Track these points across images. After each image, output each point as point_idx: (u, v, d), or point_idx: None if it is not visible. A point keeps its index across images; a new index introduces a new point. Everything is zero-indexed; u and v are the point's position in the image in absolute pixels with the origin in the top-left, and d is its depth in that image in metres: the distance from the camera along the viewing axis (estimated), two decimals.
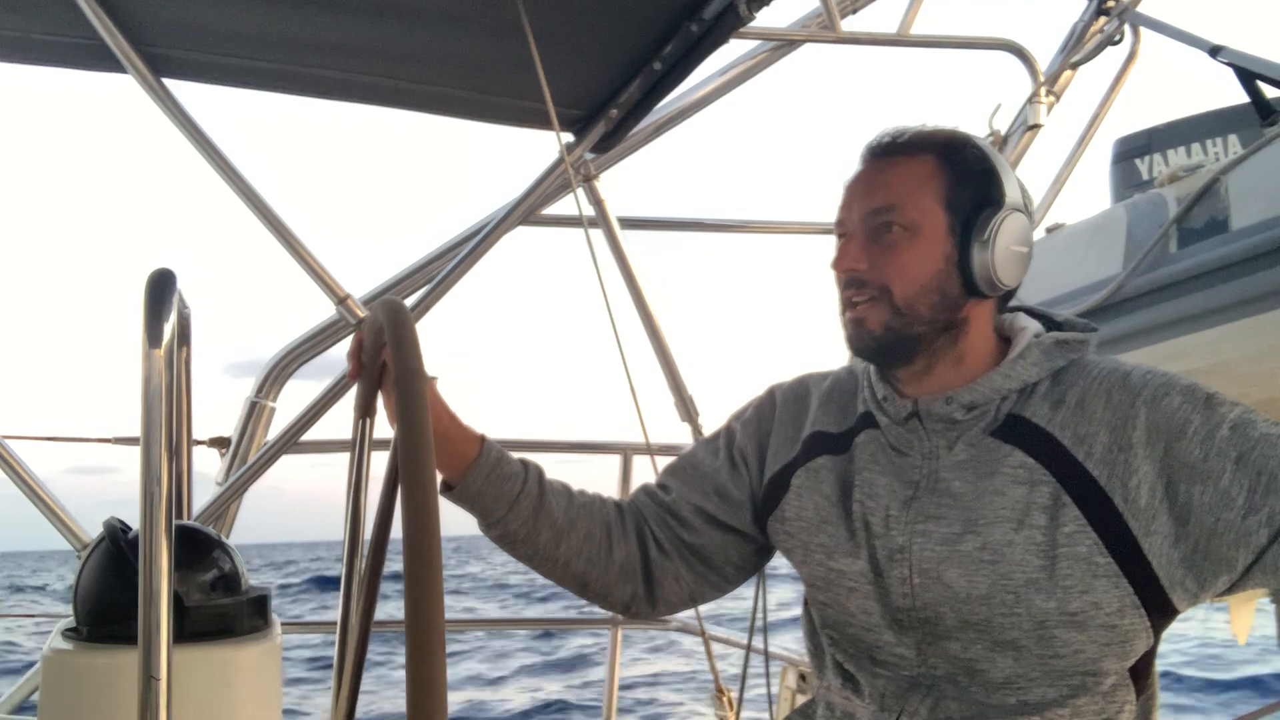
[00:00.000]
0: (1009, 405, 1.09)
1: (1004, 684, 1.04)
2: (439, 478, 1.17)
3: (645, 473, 2.60)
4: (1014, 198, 1.11)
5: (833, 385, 1.25)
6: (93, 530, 2.35)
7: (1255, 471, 0.96)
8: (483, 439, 1.18)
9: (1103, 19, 2.64)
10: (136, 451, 0.89)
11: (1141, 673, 1.06)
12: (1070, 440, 1.04)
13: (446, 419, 1.15)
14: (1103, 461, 1.02)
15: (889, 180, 1.11)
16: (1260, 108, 1.89)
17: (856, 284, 1.10)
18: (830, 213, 1.19)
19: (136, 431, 0.90)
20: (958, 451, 1.09)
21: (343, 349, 2.66)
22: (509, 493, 1.17)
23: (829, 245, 1.21)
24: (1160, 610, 1.02)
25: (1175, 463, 0.99)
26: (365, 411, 1.08)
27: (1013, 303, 1.17)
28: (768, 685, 1.74)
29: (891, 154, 1.13)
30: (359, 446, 1.07)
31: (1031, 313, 1.18)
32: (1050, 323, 1.16)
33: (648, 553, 1.24)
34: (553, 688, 10.18)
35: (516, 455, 1.21)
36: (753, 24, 1.84)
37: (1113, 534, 1.00)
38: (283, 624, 1.29)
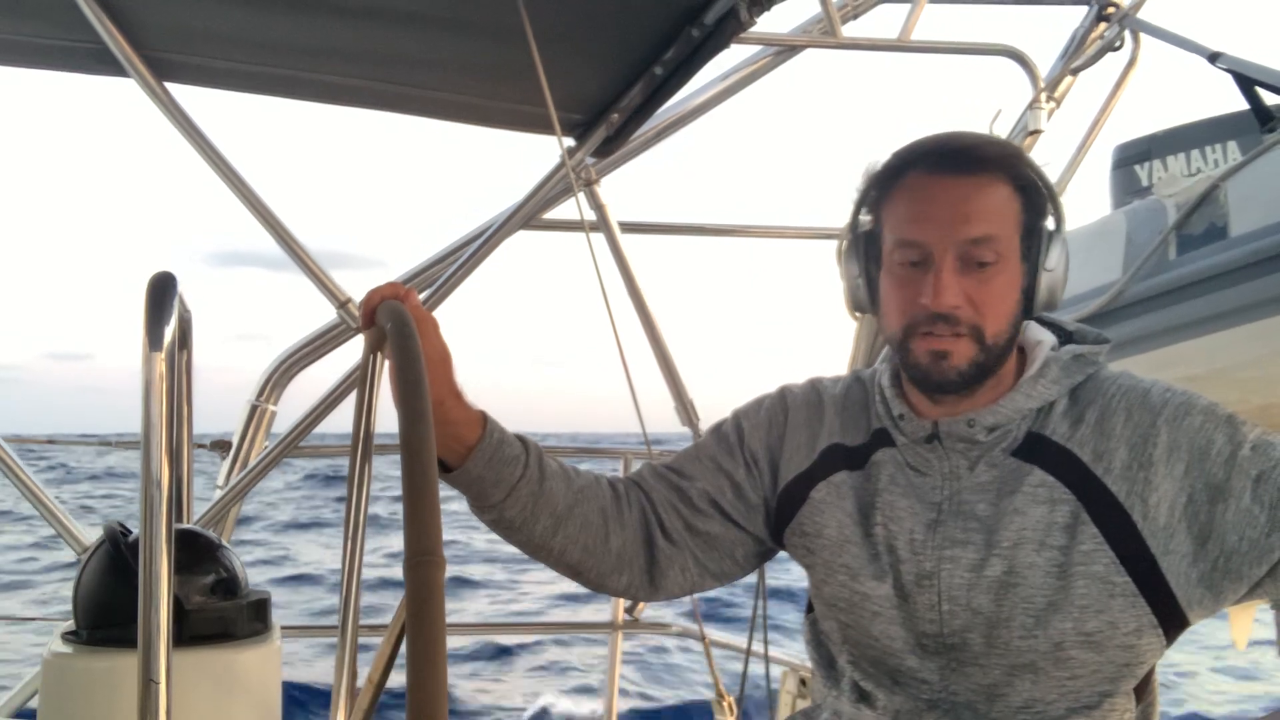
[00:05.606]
0: (1028, 423, 1.06)
1: (1022, 708, 1.03)
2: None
3: None
4: (1063, 215, 1.08)
5: (845, 394, 1.21)
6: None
7: (1276, 489, 0.96)
8: (484, 420, 1.11)
9: (1103, 25, 2.64)
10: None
11: (1143, 682, 1.06)
12: (1090, 457, 1.02)
13: (450, 399, 1.07)
14: (1122, 478, 1.00)
15: (985, 207, 1.02)
16: (1259, 114, 1.89)
17: (949, 320, 1.02)
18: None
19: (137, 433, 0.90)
20: (979, 472, 1.07)
21: (344, 352, 2.67)
22: (509, 478, 1.11)
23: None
24: (1176, 627, 1.02)
25: (1197, 482, 0.99)
26: (375, 347, 1.06)
27: None
28: (768, 690, 1.74)
29: (970, 170, 1.04)
30: (368, 380, 1.06)
31: (1040, 320, 1.16)
32: (1060, 331, 1.14)
33: (652, 540, 1.19)
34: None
35: (514, 432, 1.15)
36: (753, 29, 1.83)
37: (1130, 552, 0.99)
38: (283, 628, 1.29)
